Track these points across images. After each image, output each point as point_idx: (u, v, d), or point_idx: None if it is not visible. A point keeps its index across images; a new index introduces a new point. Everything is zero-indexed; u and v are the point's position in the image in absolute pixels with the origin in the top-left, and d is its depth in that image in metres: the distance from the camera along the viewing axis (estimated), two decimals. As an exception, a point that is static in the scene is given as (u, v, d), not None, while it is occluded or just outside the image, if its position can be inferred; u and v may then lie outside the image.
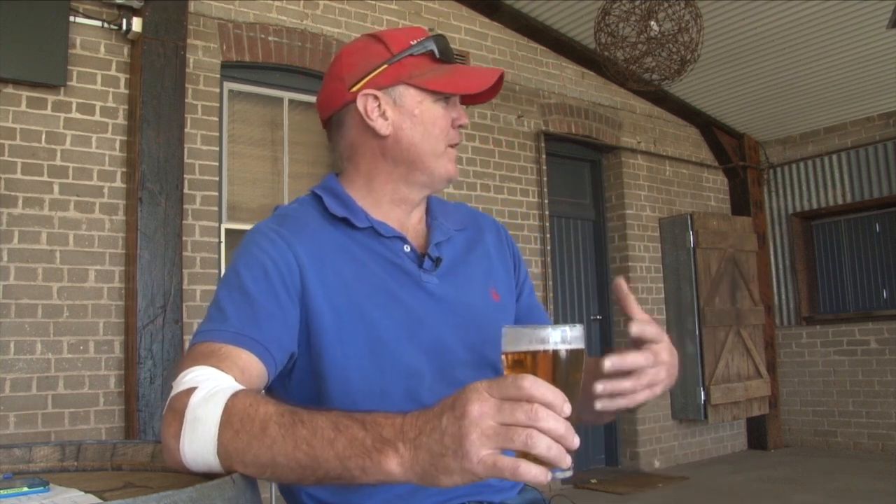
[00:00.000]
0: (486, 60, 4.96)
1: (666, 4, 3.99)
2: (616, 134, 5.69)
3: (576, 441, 0.67)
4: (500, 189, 4.92)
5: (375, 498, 1.02)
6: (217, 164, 3.82)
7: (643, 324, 0.94)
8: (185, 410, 0.84)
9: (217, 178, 3.81)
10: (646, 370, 0.91)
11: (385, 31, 1.15)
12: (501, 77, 1.14)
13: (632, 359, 0.90)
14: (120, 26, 3.50)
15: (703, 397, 5.52)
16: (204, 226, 3.72)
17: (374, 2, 4.51)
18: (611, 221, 5.79)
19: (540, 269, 5.02)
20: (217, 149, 3.83)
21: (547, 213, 5.14)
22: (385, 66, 1.10)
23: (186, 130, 3.64)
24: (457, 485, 0.69)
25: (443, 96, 1.12)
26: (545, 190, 5.14)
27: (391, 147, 1.12)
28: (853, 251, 6.21)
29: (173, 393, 0.88)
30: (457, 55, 1.20)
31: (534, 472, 0.66)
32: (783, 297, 6.45)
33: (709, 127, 6.29)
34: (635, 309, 0.96)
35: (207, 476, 0.83)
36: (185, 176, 3.59)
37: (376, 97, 1.10)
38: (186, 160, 3.62)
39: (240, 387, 0.88)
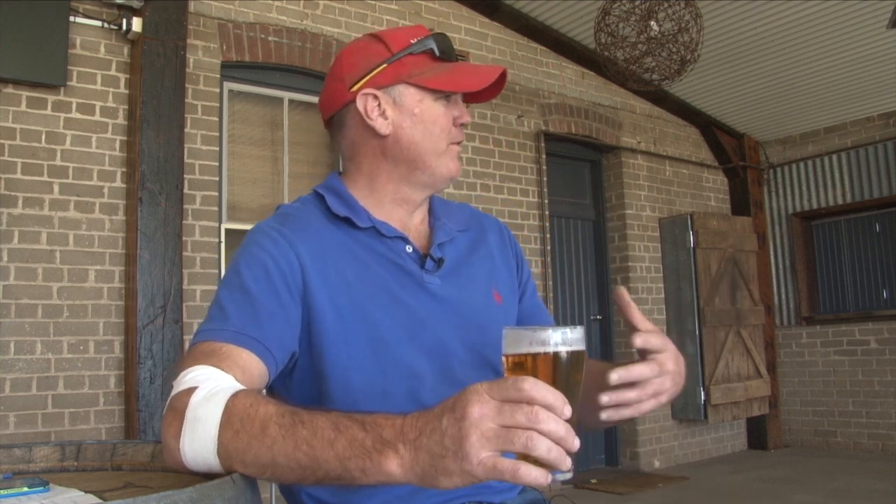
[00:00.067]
0: (486, 60, 4.96)
1: (666, 4, 3.99)
2: (616, 134, 5.69)
3: (576, 443, 0.67)
4: (500, 189, 4.92)
5: (375, 499, 1.02)
6: (217, 164, 3.82)
7: (647, 335, 0.94)
8: (185, 410, 0.84)
9: (217, 178, 3.81)
10: (651, 380, 0.91)
11: (385, 31, 1.15)
12: (504, 74, 1.13)
13: (637, 371, 0.91)
14: (120, 26, 3.50)
15: (703, 397, 5.52)
16: (204, 226, 3.72)
17: (374, 2, 4.51)
18: (611, 221, 5.79)
19: (540, 269, 5.02)
20: (217, 149, 3.83)
21: (547, 213, 5.14)
22: (384, 65, 1.10)
23: (186, 130, 3.64)
24: (457, 486, 0.69)
25: (444, 94, 1.12)
26: (545, 190, 5.14)
27: (392, 146, 1.12)
28: (853, 251, 6.21)
29: (174, 392, 0.88)
30: (458, 55, 1.19)
31: (534, 475, 0.66)
32: (783, 297, 6.45)
33: (709, 127, 6.29)
34: (637, 318, 0.95)
35: (207, 476, 0.83)
36: (185, 176, 3.59)
37: (376, 97, 1.10)
38: (186, 160, 3.62)
39: (240, 386, 0.88)
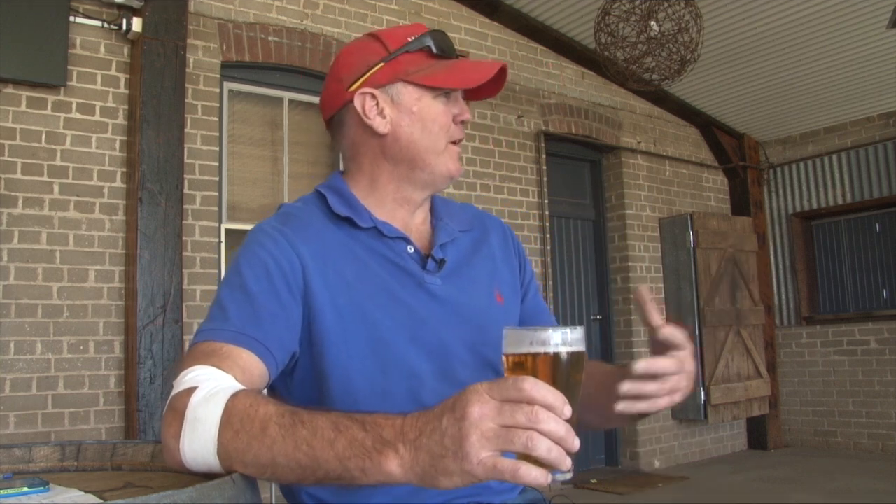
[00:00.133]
0: (486, 60, 4.95)
1: (666, 4, 3.99)
2: (616, 134, 5.69)
3: (576, 443, 0.67)
4: (500, 189, 4.92)
5: (376, 499, 1.02)
6: (217, 164, 3.82)
7: (672, 329, 0.95)
8: (185, 410, 0.84)
9: (217, 178, 3.81)
10: (670, 377, 0.92)
11: (383, 30, 1.15)
12: (504, 70, 1.13)
13: (661, 364, 0.91)
14: (120, 26, 3.50)
15: (703, 397, 5.52)
16: (204, 226, 3.72)
17: (374, 2, 4.51)
18: (611, 221, 5.79)
19: (540, 269, 5.02)
20: (217, 149, 3.83)
21: (547, 213, 5.14)
22: (381, 64, 1.10)
23: (186, 130, 3.64)
24: (457, 486, 0.69)
25: (442, 92, 1.11)
26: (545, 190, 5.14)
27: (391, 145, 1.11)
28: (853, 251, 6.21)
29: (174, 392, 0.88)
30: (459, 54, 1.18)
31: (534, 475, 0.66)
32: (783, 297, 6.45)
33: (709, 127, 6.29)
34: (656, 317, 0.96)
35: (207, 476, 0.83)
36: (185, 176, 3.59)
37: (374, 96, 1.10)
38: (186, 160, 3.62)
39: (240, 387, 0.88)
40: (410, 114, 1.10)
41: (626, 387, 0.91)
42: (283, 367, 1.03)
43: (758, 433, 6.21)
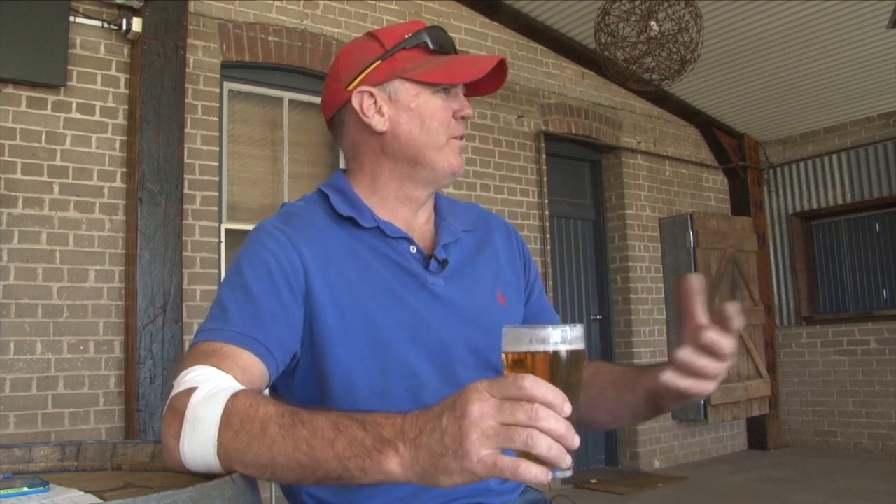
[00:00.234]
0: (486, 60, 4.95)
1: (666, 4, 3.99)
2: (616, 134, 5.69)
3: (576, 441, 0.67)
4: (500, 189, 4.92)
5: (377, 499, 1.02)
6: (217, 164, 3.82)
7: (719, 335, 0.91)
8: (185, 410, 0.84)
9: (217, 178, 3.81)
10: (717, 362, 0.91)
11: (381, 28, 1.15)
12: (504, 65, 1.12)
13: (725, 343, 0.90)
14: (120, 26, 3.50)
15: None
16: (204, 226, 3.72)
17: (374, 2, 4.51)
18: (611, 221, 5.79)
19: (540, 269, 5.01)
20: (217, 149, 3.83)
21: (547, 213, 5.14)
22: (378, 62, 1.10)
23: (186, 130, 3.64)
24: (457, 485, 0.69)
25: (441, 88, 1.11)
26: (545, 190, 5.14)
27: (390, 143, 1.11)
28: (853, 251, 6.21)
29: (174, 392, 0.88)
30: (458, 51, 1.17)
31: (534, 472, 0.66)
32: (783, 297, 6.45)
33: (709, 127, 6.29)
34: (700, 315, 0.91)
35: (207, 476, 0.83)
36: (185, 176, 3.59)
37: (372, 94, 1.10)
38: (186, 160, 3.62)
39: (240, 387, 0.88)
40: (409, 110, 1.10)
41: (684, 353, 0.90)
42: (284, 368, 1.02)
43: (758, 433, 6.21)
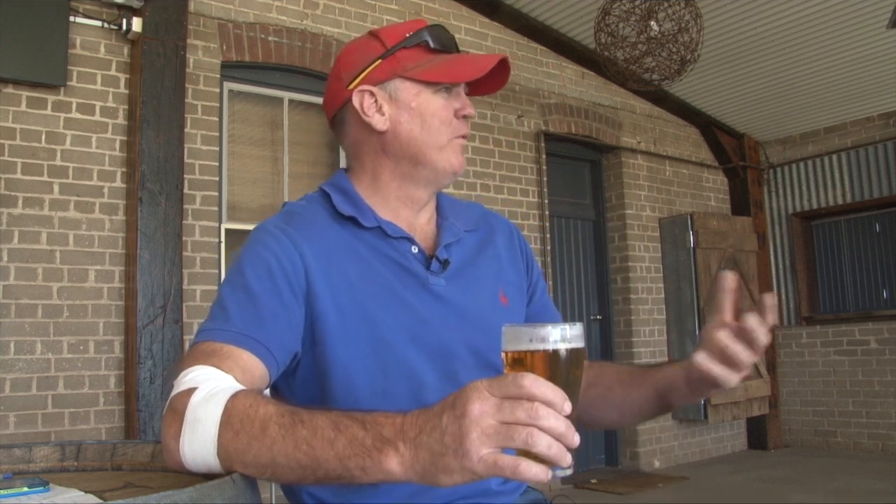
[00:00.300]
0: (486, 60, 4.95)
1: (666, 4, 3.99)
2: (616, 134, 5.69)
3: (576, 439, 0.67)
4: (500, 189, 4.92)
5: (378, 500, 1.01)
6: (217, 164, 3.82)
7: (740, 347, 0.93)
8: (185, 411, 0.84)
9: (217, 178, 3.81)
10: (750, 350, 0.92)
11: (383, 27, 1.14)
12: (506, 64, 1.12)
13: (763, 329, 0.92)
14: (120, 26, 3.50)
15: (703, 397, 5.51)
16: (204, 226, 3.72)
17: (374, 2, 4.51)
18: (611, 221, 5.79)
19: (540, 269, 5.02)
20: (217, 149, 3.83)
21: (547, 213, 5.14)
22: (379, 61, 1.10)
23: (186, 130, 3.64)
24: (457, 484, 0.68)
25: (443, 87, 1.10)
26: (545, 190, 5.14)
27: (391, 142, 1.11)
28: (853, 251, 6.21)
29: (174, 393, 0.88)
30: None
31: (534, 471, 0.66)
32: (783, 297, 6.44)
33: (709, 127, 6.29)
34: (728, 314, 0.94)
35: (207, 476, 0.83)
36: (185, 176, 3.59)
37: (372, 93, 1.10)
38: (186, 160, 3.62)
39: (240, 387, 0.88)
40: (409, 109, 1.09)
41: (722, 335, 0.92)
42: (285, 368, 1.02)
43: (758, 433, 6.21)
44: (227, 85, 4.01)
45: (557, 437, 0.66)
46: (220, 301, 1.01)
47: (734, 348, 0.92)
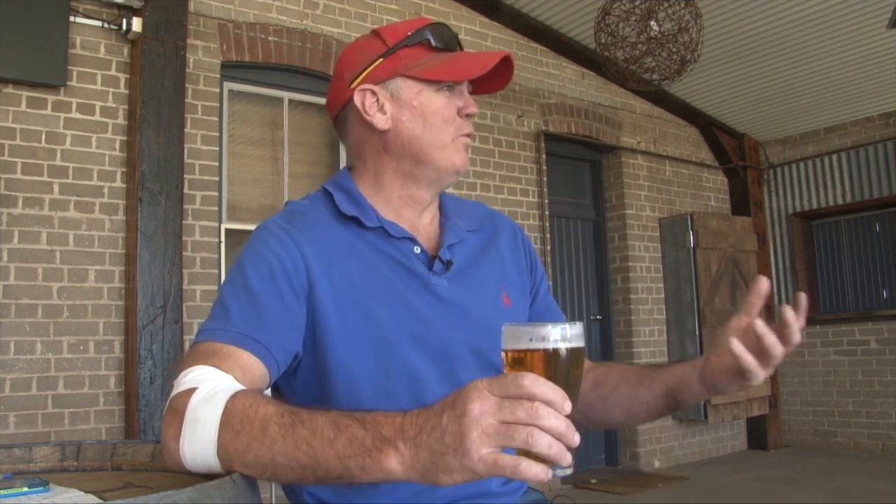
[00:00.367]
0: (486, 60, 4.95)
1: (666, 4, 3.99)
2: (616, 134, 5.69)
3: (576, 439, 0.67)
4: (500, 189, 4.92)
5: (378, 500, 1.01)
6: (217, 164, 3.82)
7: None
8: (185, 411, 0.83)
9: (217, 178, 3.81)
10: (782, 344, 0.93)
11: (385, 26, 1.14)
12: (509, 62, 1.12)
13: (797, 326, 0.93)
14: (120, 26, 3.50)
15: (703, 397, 5.51)
16: (204, 226, 3.72)
17: (374, 2, 4.51)
18: (611, 221, 5.79)
19: (544, 269, 5.02)
20: (217, 149, 3.83)
21: (547, 213, 5.14)
22: (380, 59, 1.09)
23: (186, 130, 3.64)
24: (457, 483, 0.68)
25: (445, 85, 1.10)
26: (545, 190, 5.14)
27: (392, 141, 1.10)
28: (853, 251, 6.21)
29: (174, 393, 0.88)
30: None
31: (534, 470, 0.66)
32: (783, 297, 6.44)
33: (709, 127, 6.29)
34: (755, 313, 0.96)
35: (207, 476, 0.83)
36: (185, 176, 3.59)
37: (373, 92, 1.09)
38: (186, 160, 3.62)
39: (240, 387, 0.88)
40: (411, 108, 1.09)
41: (759, 324, 0.92)
42: (286, 368, 1.02)
43: (758, 433, 6.21)
44: (227, 85, 4.01)
45: (558, 437, 0.66)
46: (221, 301, 1.00)
47: (770, 339, 0.92)
